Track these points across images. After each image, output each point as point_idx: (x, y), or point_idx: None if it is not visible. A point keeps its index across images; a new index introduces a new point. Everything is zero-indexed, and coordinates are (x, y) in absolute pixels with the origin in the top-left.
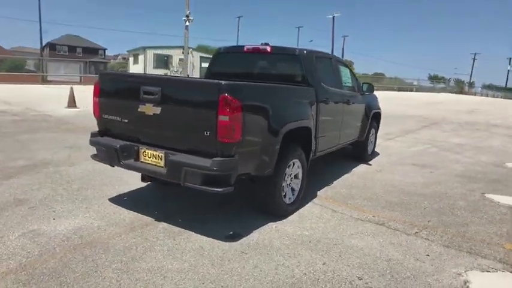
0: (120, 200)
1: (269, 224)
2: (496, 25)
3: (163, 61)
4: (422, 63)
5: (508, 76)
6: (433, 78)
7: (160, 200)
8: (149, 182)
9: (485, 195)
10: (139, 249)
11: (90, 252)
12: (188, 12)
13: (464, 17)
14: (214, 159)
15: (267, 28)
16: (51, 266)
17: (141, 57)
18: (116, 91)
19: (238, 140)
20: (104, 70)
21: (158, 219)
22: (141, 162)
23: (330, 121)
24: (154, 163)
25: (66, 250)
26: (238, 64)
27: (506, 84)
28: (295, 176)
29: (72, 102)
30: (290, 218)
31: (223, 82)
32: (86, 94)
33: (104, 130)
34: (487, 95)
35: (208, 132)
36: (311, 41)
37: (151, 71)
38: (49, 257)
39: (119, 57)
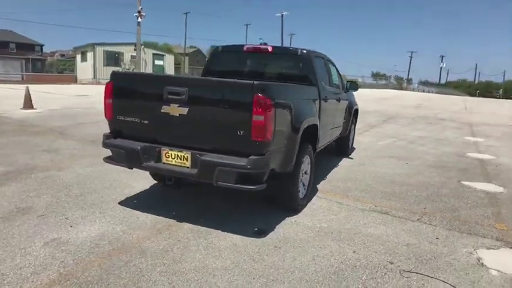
0: (131, 203)
1: (287, 218)
2: (431, 24)
3: (113, 58)
4: (366, 61)
5: (441, 72)
6: (376, 75)
7: (171, 201)
8: (153, 184)
9: (462, 182)
10: (175, 250)
11: (127, 257)
12: (140, 7)
13: (403, 16)
14: (250, 157)
15: (215, 25)
16: (94, 274)
17: (89, 55)
18: (134, 92)
19: (270, 138)
20: (119, 70)
21: (180, 220)
22: (163, 163)
23: (327, 118)
24: (179, 164)
25: (101, 257)
26: (238, 63)
27: (439, 80)
28: (305, 172)
29: (28, 103)
30: (303, 211)
31: (256, 82)
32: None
33: (117, 132)
34: (423, 91)
35: (242, 132)
36: (261, 39)
37: (101, 68)
38: (87, 265)
39: (56, 54)
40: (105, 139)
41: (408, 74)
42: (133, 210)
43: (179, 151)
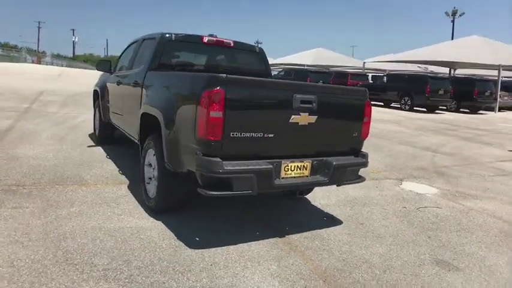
0: (199, 244)
1: (313, 204)
2: None
3: None
4: None
5: (74, 46)
6: (4, 47)
7: (216, 223)
8: (145, 210)
9: None
10: (349, 257)
11: (349, 279)
12: None
13: None
14: (365, 154)
15: None
16: None
17: None
18: (257, 101)
19: None
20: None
21: (280, 236)
22: (283, 178)
23: None
24: (298, 175)
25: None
26: (195, 56)
27: (73, 53)
28: None
29: None
30: (311, 193)
31: (364, 88)
32: None
33: (225, 153)
34: (56, 65)
35: (356, 133)
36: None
37: None
38: None
39: None
40: (223, 166)
41: (38, 46)
42: (222, 248)
43: (300, 161)
